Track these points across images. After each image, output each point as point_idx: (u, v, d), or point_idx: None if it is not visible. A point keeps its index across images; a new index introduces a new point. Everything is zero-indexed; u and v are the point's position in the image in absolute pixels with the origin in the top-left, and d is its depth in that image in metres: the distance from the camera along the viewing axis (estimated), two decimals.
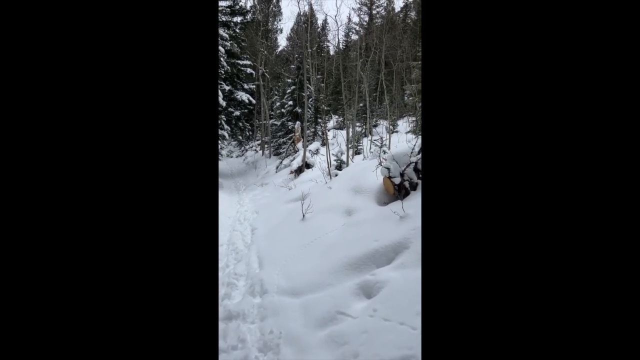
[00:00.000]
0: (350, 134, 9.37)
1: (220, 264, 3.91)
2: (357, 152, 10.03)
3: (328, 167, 7.44)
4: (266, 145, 14.87)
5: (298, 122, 11.06)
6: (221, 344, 2.32)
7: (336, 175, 6.67)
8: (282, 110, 14.09)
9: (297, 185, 7.41)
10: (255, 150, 16.45)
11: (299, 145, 10.70)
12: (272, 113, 15.40)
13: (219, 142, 10.01)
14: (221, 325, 2.55)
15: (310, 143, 11.07)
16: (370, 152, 8.69)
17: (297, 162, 9.47)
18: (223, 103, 10.63)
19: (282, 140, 13.68)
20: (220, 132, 10.48)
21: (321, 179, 6.85)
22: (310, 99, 13.39)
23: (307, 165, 9.50)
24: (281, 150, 13.20)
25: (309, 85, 13.85)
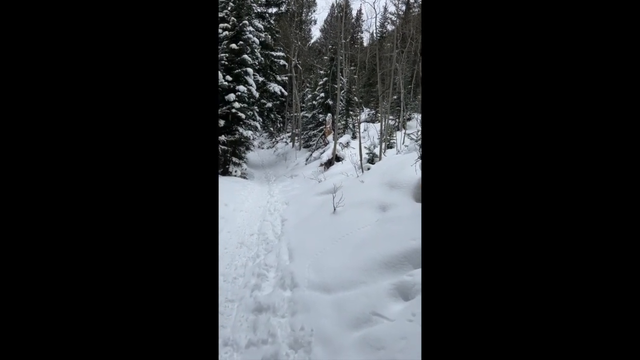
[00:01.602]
0: (383, 126, 9.07)
1: (251, 254, 3.88)
2: (389, 146, 9.72)
3: (360, 160, 7.24)
4: (296, 137, 14.85)
5: (329, 115, 10.89)
6: (251, 336, 2.26)
7: (368, 168, 6.47)
8: (314, 102, 13.97)
9: (327, 178, 7.29)
10: (285, 142, 16.49)
11: (330, 137, 10.55)
12: (303, 105, 15.31)
13: (252, 132, 10.08)
14: (251, 317, 2.49)
15: (341, 136, 10.88)
16: (405, 146, 8.37)
17: (327, 155, 9.35)
18: (256, 94, 10.67)
19: (312, 132, 13.59)
20: (252, 122, 10.55)
21: (352, 172, 6.68)
22: (343, 91, 13.15)
23: (337, 158, 9.34)
24: (311, 143, 13.12)
25: (341, 77, 13.60)
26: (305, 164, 10.82)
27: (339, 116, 9.37)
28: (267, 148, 17.62)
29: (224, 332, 2.33)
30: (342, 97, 13.58)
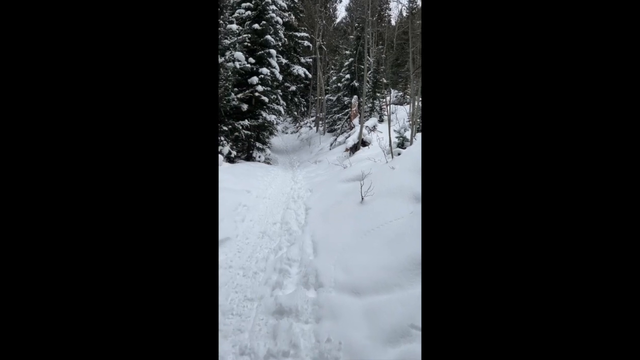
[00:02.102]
0: (414, 108, 8.46)
1: (273, 245, 3.63)
2: (419, 130, 9.11)
3: (390, 144, 6.76)
4: (320, 122, 14.42)
5: (355, 97, 10.35)
6: (270, 345, 1.99)
7: (399, 154, 6.00)
8: (339, 84, 13.41)
9: (352, 164, 6.88)
10: (309, 126, 16.11)
11: (355, 121, 10.05)
12: (328, 88, 14.78)
13: (275, 117, 9.79)
14: (271, 321, 2.22)
15: (367, 119, 10.34)
16: None
17: (352, 139, 8.90)
18: (280, 77, 10.30)
19: (337, 116, 13.10)
20: (276, 106, 10.24)
21: (380, 158, 6.23)
22: (369, 72, 12.50)
23: (363, 143, 8.88)
24: (336, 127, 12.67)
25: (368, 57, 12.90)
26: (330, 149, 10.43)
27: (366, 98, 8.84)
28: (291, 133, 17.34)
29: (241, 338, 2.08)
30: (368, 78, 12.93)
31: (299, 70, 13.10)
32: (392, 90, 15.77)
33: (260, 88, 9.09)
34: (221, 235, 3.62)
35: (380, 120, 12.45)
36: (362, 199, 4.07)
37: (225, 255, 3.29)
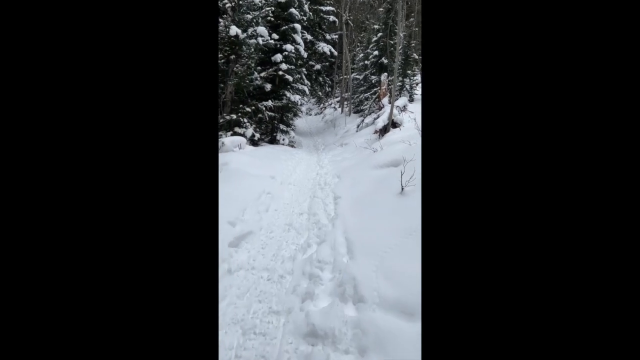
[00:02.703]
0: None
1: (300, 241, 3.18)
2: None
3: None
4: (346, 102, 13.68)
5: (384, 74, 9.53)
6: None
7: None
8: (366, 62, 12.54)
9: (383, 147, 6.26)
10: (334, 107, 15.40)
11: (385, 100, 9.29)
12: (354, 66, 13.91)
13: (300, 97, 9.21)
14: (302, 347, 1.78)
15: (397, 98, 9.54)
16: None
17: (382, 120, 8.19)
18: (304, 54, 9.63)
19: (363, 95, 12.32)
20: (300, 87, 9.64)
21: (416, 140, 5.58)
22: (400, 47, 11.54)
23: (393, 124, 8.17)
24: (362, 107, 11.93)
25: (398, 32, 11.88)
26: (357, 131, 9.77)
27: (396, 76, 8.05)
28: (315, 114, 16.71)
29: None
30: (398, 55, 11.97)
31: (324, 47, 12.32)
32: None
33: (284, 66, 8.50)
34: (244, 228, 3.21)
35: (411, 100, 11.56)
36: (402, 189, 3.51)
37: (248, 252, 2.87)
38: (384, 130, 8.06)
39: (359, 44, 16.32)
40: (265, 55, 8.60)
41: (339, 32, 13.93)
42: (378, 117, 8.78)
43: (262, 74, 8.14)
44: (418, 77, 12.08)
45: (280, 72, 8.54)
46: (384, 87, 9.56)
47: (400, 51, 10.88)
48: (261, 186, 4.52)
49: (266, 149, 7.48)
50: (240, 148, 6.32)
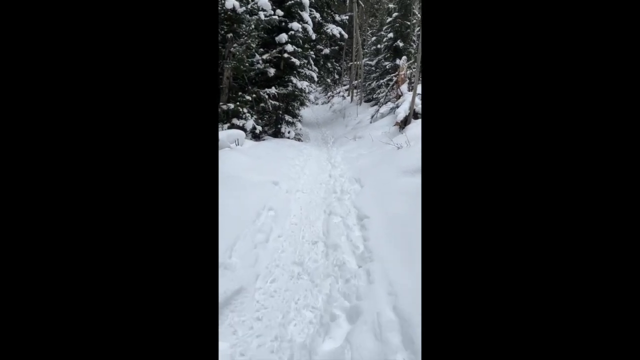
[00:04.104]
0: None
1: (318, 300, 1.98)
2: None
3: None
4: (356, 90, 12.28)
5: (404, 58, 8.14)
6: None
7: None
8: (378, 45, 11.09)
9: (410, 143, 5.00)
10: (342, 96, 14.00)
11: (403, 87, 7.94)
12: (366, 50, 12.45)
13: (307, 84, 7.90)
14: None
15: (414, 86, 8.18)
16: None
17: (403, 110, 6.86)
18: (313, 35, 8.25)
19: (376, 83, 10.94)
20: (308, 72, 8.31)
21: None
22: (417, 29, 10.07)
23: (414, 115, 6.87)
24: (375, 96, 10.58)
25: (415, 12, 10.39)
26: (371, 122, 8.46)
27: (412, 61, 6.71)
28: (322, 103, 15.33)
29: None
30: (415, 37, 10.51)
31: (334, 29, 10.86)
32: None
33: (289, 48, 7.15)
34: (232, 281, 2.02)
35: None
36: None
37: (233, 333, 1.69)
38: (404, 122, 6.77)
39: (368, 27, 14.76)
40: (268, 35, 7.25)
41: (349, 13, 12.41)
42: (397, 106, 7.46)
43: (265, 57, 6.81)
44: None
45: (286, 55, 7.21)
46: (403, 72, 8.19)
47: (419, 33, 9.44)
48: (261, 198, 3.33)
49: (269, 144, 6.24)
50: (237, 144, 5.09)
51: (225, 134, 4.98)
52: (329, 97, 14.98)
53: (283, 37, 7.13)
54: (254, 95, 6.43)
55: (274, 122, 7.72)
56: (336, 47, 12.50)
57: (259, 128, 6.35)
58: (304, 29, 7.71)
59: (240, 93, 6.23)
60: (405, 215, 2.75)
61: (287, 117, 7.68)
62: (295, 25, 7.25)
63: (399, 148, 5.16)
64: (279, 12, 6.82)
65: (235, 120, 5.88)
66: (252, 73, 6.56)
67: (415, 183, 3.31)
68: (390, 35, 10.37)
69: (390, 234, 2.58)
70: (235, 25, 5.81)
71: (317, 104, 15.34)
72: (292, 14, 7.47)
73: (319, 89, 16.74)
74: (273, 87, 6.99)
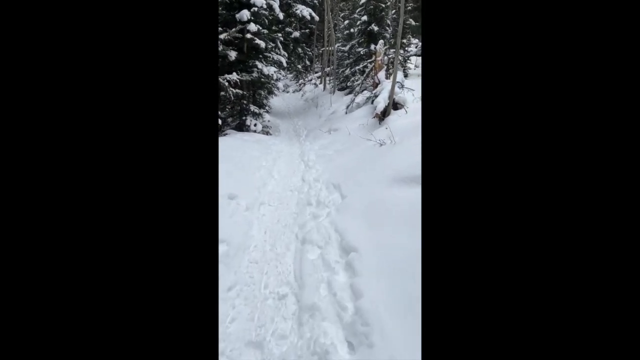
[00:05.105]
0: None
1: None
2: None
3: None
4: (329, 78, 11.29)
5: (381, 42, 7.24)
6: None
7: None
8: (351, 30, 10.10)
9: (396, 139, 4.17)
10: (314, 84, 12.94)
11: (381, 75, 7.09)
12: (338, 35, 11.40)
13: (275, 70, 6.80)
14: None
15: (390, 73, 7.34)
16: None
17: (383, 100, 6.01)
18: (280, 14, 7.10)
19: (350, 70, 9.99)
20: (275, 57, 7.21)
21: None
22: (393, 12, 9.18)
23: (394, 106, 6.06)
24: (350, 84, 9.67)
25: None
26: (346, 113, 7.56)
27: (398, 41, 5.85)
28: (293, 92, 14.17)
29: None
30: (389, 22, 9.62)
31: (304, 10, 9.69)
32: (413, 40, 12.33)
33: (253, 27, 5.99)
34: None
35: (405, 75, 9.43)
36: None
37: None
38: (384, 113, 5.94)
39: (340, 11, 13.65)
40: (227, 12, 6.06)
41: None
42: (375, 96, 6.60)
43: (223, 36, 5.64)
44: (412, 48, 9.87)
45: (249, 35, 6.05)
46: (380, 58, 7.32)
47: (394, 16, 8.57)
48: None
49: (230, 141, 5.16)
50: None
51: None
52: (300, 85, 13.85)
53: (244, 14, 5.95)
54: None
55: (237, 113, 6.60)
56: (307, 30, 11.34)
57: (218, 121, 5.24)
58: (270, 6, 6.56)
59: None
60: (404, 249, 1.92)
61: (252, 108, 6.58)
62: (258, 0, 6.08)
63: (381, 145, 4.33)
64: None
65: None
66: None
67: (412, 198, 2.48)
68: (364, 18, 9.40)
69: (390, 284, 1.73)
70: None
71: (287, 92, 14.17)
72: None
73: (290, 76, 15.53)
74: (235, 73, 5.85)
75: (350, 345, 1.48)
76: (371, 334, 1.44)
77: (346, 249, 2.21)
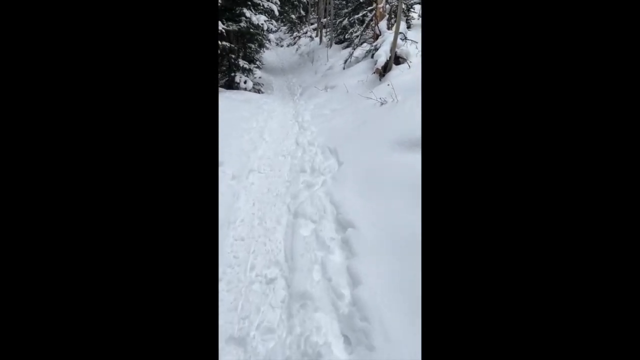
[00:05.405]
0: None
1: None
2: None
3: None
4: (325, 30, 10.33)
5: None
6: None
7: None
8: None
9: (398, 97, 3.75)
10: (310, 37, 11.91)
11: (382, 25, 6.37)
12: None
13: (266, 19, 6.06)
14: None
15: (393, 23, 6.59)
16: None
17: (384, 53, 5.43)
18: None
19: (347, 21, 9.07)
20: (267, 4, 6.40)
21: None
22: None
23: (396, 60, 5.50)
24: (347, 36, 8.84)
25: None
26: (344, 68, 6.94)
27: None
28: (287, 46, 13.11)
29: None
30: None
31: None
32: None
33: None
34: None
35: (408, 27, 8.57)
36: None
37: None
38: (385, 68, 5.40)
39: None
40: None
41: None
42: (375, 48, 5.97)
43: None
44: None
45: None
46: (381, 5, 6.52)
47: None
48: None
49: (219, 99, 4.71)
50: None
51: None
52: (294, 37, 12.78)
53: None
54: None
55: (226, 69, 6.00)
56: None
57: None
58: None
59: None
60: (407, 226, 1.66)
61: (242, 63, 5.97)
62: None
63: (382, 104, 3.92)
64: None
65: None
66: None
67: (416, 165, 2.17)
68: None
69: (391, 270, 1.49)
70: None
71: (281, 46, 13.12)
72: None
73: (284, 28, 14.29)
74: (220, 22, 5.17)
75: (347, 341, 1.27)
76: (371, 332, 1.22)
77: (343, 224, 1.95)
